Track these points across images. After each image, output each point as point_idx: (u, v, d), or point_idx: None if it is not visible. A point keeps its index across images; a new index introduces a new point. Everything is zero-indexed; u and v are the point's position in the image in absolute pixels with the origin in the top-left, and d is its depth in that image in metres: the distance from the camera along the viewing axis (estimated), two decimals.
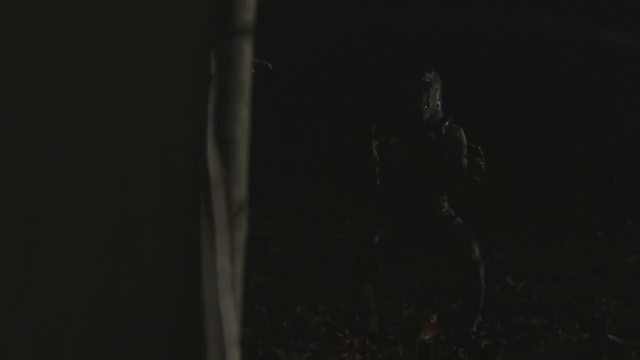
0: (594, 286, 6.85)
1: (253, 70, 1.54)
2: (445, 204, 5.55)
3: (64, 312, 0.93)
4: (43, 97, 0.95)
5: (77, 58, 0.97)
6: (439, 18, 10.69)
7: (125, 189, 0.97)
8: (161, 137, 1.04)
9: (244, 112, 1.43)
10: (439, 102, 5.57)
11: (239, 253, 1.43)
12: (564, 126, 11.19)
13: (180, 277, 1.04)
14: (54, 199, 0.93)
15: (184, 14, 1.07)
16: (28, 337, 0.93)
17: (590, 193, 10.60)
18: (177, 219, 1.05)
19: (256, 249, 7.50)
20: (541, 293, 6.59)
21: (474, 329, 5.44)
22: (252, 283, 6.38)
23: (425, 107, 5.48)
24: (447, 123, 5.53)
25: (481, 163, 5.34)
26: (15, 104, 0.93)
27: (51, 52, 0.96)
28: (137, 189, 0.99)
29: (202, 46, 1.12)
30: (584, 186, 10.80)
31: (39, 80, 0.95)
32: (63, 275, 0.93)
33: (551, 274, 7.34)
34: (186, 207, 1.07)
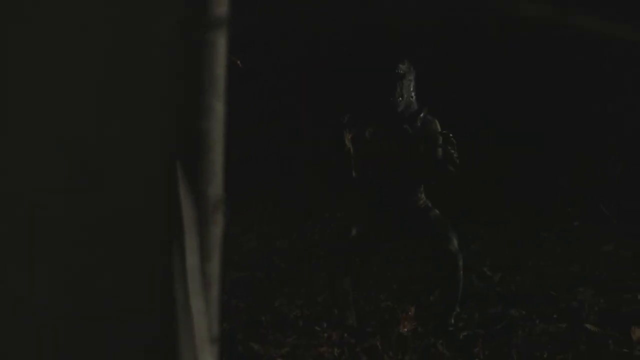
0: (570, 275, 6.87)
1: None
2: (422, 195, 5.55)
3: (38, 312, 0.92)
4: (18, 96, 0.93)
5: (51, 56, 0.96)
6: (438, 16, 10.70)
7: (99, 187, 0.96)
8: (135, 133, 1.03)
9: (218, 108, 1.41)
10: (413, 94, 5.58)
11: (215, 249, 1.41)
12: (552, 122, 11.23)
13: (152, 277, 1.03)
14: (28, 198, 0.91)
15: (157, 8, 1.06)
16: (9, 337, 0.92)
17: (567, 182, 10.63)
18: (150, 218, 1.03)
19: (231, 243, 7.48)
20: (518, 283, 6.61)
21: (452, 321, 5.46)
22: (229, 279, 6.36)
23: (400, 98, 5.48)
24: (422, 114, 5.53)
25: (453, 152, 5.34)
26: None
27: (39, 50, 0.94)
28: (111, 187, 0.97)
29: (175, 40, 1.11)
30: (558, 178, 10.83)
31: (16, 79, 0.93)
32: (37, 275, 0.92)
33: (528, 264, 7.35)
34: (157, 206, 1.05)
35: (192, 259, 1.24)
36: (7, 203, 0.92)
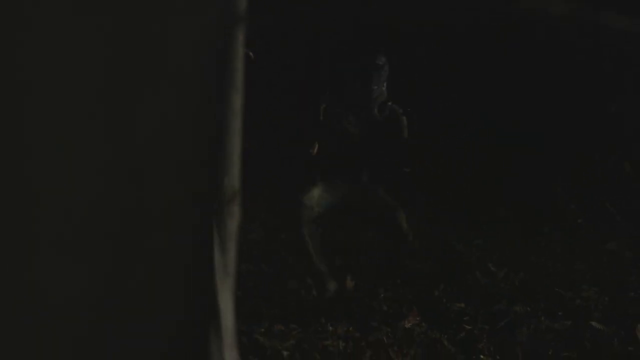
0: (575, 273, 6.86)
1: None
2: (367, 178, 6.12)
3: (70, 309, 0.92)
4: (51, 98, 0.93)
5: (81, 56, 0.96)
6: (438, 16, 10.69)
7: (126, 184, 0.96)
8: (162, 131, 1.03)
9: (236, 100, 1.42)
10: (385, 85, 6.13)
11: (232, 241, 1.41)
12: (556, 121, 11.21)
13: (180, 273, 1.03)
14: (61, 198, 0.91)
15: (181, 5, 1.06)
16: (33, 333, 0.92)
17: (572, 179, 10.62)
18: (178, 213, 1.03)
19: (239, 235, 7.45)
20: (523, 280, 6.60)
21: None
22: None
23: (375, 87, 6.05)
24: (389, 103, 6.08)
25: (404, 126, 6.03)
26: (24, 105, 0.92)
27: (58, 54, 0.95)
28: (139, 183, 0.98)
29: (198, 36, 1.11)
30: (565, 172, 10.82)
31: (47, 81, 0.93)
32: (68, 273, 0.92)
33: (532, 261, 7.34)
34: (185, 201, 1.06)
35: (219, 255, 1.24)
36: (43, 205, 0.92)
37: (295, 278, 6.51)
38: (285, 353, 5.00)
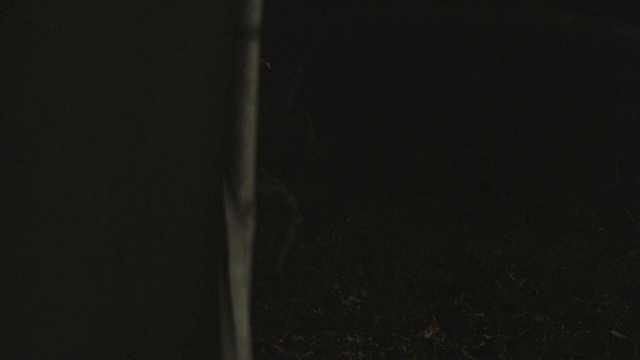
0: (595, 281, 6.84)
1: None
2: (265, 168, 6.88)
3: (77, 322, 0.92)
4: (59, 101, 0.94)
5: (92, 61, 0.96)
6: (446, 23, 10.73)
7: (143, 193, 0.96)
8: (176, 139, 1.03)
9: (250, 111, 1.42)
10: (300, 91, 6.94)
11: (246, 252, 1.42)
12: (566, 123, 11.19)
13: (194, 285, 1.03)
14: (73, 204, 0.92)
15: (197, 14, 1.06)
16: (42, 342, 0.92)
17: (592, 188, 10.60)
18: (193, 224, 1.04)
19: (256, 245, 7.49)
20: (543, 289, 6.58)
21: (281, 270, 6.52)
22: (253, 280, 6.37)
23: (291, 93, 6.85)
24: (301, 109, 6.87)
25: (308, 130, 6.84)
26: (31, 109, 0.92)
27: (68, 55, 0.95)
28: (154, 193, 0.98)
29: (212, 46, 1.11)
30: (586, 181, 10.80)
31: (57, 84, 0.94)
32: (77, 279, 0.92)
33: (552, 269, 7.33)
34: (201, 212, 1.06)
35: (234, 266, 1.24)
36: (54, 211, 0.92)
37: (313, 288, 6.52)
38: None
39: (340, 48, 11.25)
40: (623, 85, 10.79)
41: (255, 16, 1.41)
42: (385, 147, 12.61)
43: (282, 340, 5.24)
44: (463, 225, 9.63)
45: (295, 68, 6.94)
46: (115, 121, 0.90)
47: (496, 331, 5.49)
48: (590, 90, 11.05)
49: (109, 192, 0.87)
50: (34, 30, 0.88)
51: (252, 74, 1.45)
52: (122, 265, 0.88)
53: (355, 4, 10.85)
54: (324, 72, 11.44)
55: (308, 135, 6.93)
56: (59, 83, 0.88)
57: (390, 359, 4.95)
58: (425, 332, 5.33)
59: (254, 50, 1.46)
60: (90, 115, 0.88)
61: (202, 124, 1.06)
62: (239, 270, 1.30)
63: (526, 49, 10.96)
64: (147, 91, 0.95)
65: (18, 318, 0.87)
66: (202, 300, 1.00)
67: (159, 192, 0.92)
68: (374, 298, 6.27)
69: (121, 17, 0.95)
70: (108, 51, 0.94)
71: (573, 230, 9.26)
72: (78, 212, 0.86)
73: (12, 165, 0.87)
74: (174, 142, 0.99)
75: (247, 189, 1.48)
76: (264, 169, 6.84)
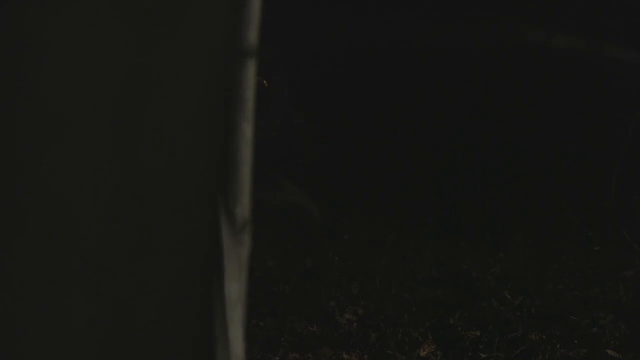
0: (592, 301, 6.83)
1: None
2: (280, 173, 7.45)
3: (73, 334, 0.92)
4: (59, 117, 0.94)
5: (92, 79, 0.97)
6: (446, 45, 10.76)
7: (139, 212, 0.97)
8: (173, 157, 1.04)
9: (247, 129, 1.43)
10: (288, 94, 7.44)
11: (243, 270, 1.42)
12: (564, 143, 11.21)
13: (190, 305, 1.03)
14: (69, 219, 0.92)
15: (196, 33, 1.07)
16: (41, 357, 0.92)
17: (590, 207, 10.60)
18: (190, 243, 1.04)
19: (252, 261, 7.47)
20: (539, 307, 6.57)
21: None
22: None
23: (280, 97, 7.27)
24: (288, 109, 7.30)
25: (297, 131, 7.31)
26: (29, 125, 0.92)
27: (68, 72, 0.95)
28: (150, 211, 0.98)
29: (212, 64, 1.12)
30: (583, 200, 10.80)
31: (58, 101, 0.94)
32: (73, 298, 0.93)
33: (549, 288, 7.32)
34: (199, 230, 1.06)
35: (230, 286, 1.25)
36: (50, 225, 0.92)
37: (309, 305, 6.50)
38: None
39: (339, 52, 11.27)
40: (621, 103, 10.81)
41: (252, 36, 1.42)
42: (383, 163, 12.62)
43: (278, 358, 5.23)
44: (460, 244, 9.61)
45: (283, 74, 7.37)
46: (113, 139, 0.90)
47: (492, 350, 5.48)
48: (587, 107, 11.07)
49: (105, 210, 0.88)
50: (36, 50, 0.89)
51: (249, 93, 1.46)
52: (118, 284, 0.88)
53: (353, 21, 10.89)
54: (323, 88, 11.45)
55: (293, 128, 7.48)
56: (60, 99, 0.88)
57: None
58: (421, 350, 5.32)
59: (251, 69, 1.46)
60: (89, 132, 0.88)
61: (199, 142, 1.06)
62: (235, 288, 1.30)
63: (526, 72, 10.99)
64: (145, 109, 0.95)
65: (17, 341, 0.87)
66: (198, 318, 1.00)
67: (155, 210, 0.93)
68: (370, 316, 6.26)
69: (121, 36, 0.95)
70: (107, 69, 0.94)
71: (570, 250, 9.24)
72: (74, 231, 0.87)
73: (9, 178, 0.88)
74: (170, 160, 0.99)
75: (244, 207, 1.48)
76: (282, 180, 7.05)
